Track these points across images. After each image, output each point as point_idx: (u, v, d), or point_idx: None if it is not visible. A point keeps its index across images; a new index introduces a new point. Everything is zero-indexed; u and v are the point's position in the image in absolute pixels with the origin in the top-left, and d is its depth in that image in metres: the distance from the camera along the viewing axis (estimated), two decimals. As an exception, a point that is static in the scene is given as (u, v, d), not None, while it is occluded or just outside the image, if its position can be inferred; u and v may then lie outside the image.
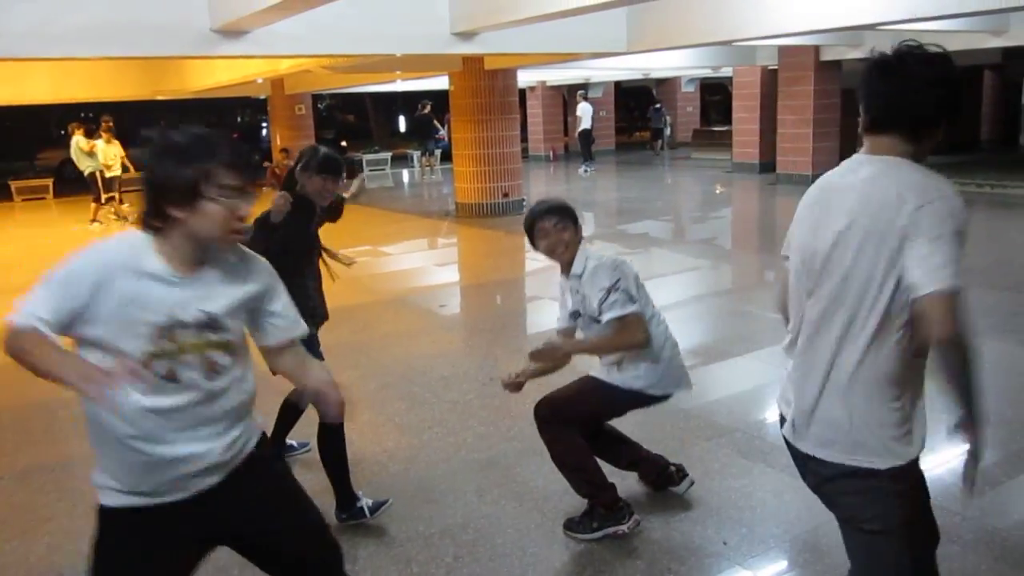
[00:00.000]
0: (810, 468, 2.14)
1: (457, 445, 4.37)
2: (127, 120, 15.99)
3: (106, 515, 1.97)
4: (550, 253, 3.36)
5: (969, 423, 1.83)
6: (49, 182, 20.00)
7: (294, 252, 3.47)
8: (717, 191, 16.25)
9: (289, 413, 3.88)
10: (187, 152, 1.83)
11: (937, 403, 1.97)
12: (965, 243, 1.79)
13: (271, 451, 2.33)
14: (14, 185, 19.60)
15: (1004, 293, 6.96)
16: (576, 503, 3.52)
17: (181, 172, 1.81)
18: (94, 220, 13.74)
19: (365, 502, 3.54)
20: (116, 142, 14.30)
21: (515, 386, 3.51)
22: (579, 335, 3.49)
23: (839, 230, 1.93)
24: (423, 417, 4.78)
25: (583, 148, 20.77)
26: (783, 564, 3.25)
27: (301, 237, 3.57)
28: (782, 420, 2.19)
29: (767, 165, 16.86)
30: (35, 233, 14.08)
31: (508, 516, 3.58)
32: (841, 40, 13.08)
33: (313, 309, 3.61)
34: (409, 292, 8.31)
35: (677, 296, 7.34)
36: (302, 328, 2.17)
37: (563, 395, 3.44)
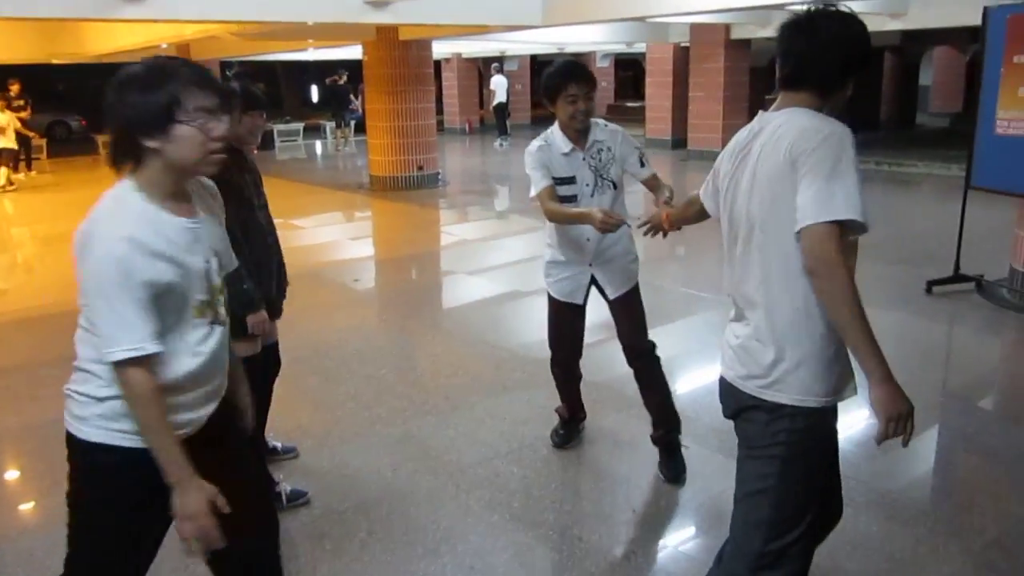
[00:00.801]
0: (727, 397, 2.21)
1: (371, 420, 4.35)
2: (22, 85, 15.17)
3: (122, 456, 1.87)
4: (571, 118, 3.32)
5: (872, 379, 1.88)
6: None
7: (248, 221, 3.14)
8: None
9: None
10: (150, 79, 1.76)
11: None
12: (854, 175, 1.86)
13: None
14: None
15: (898, 267, 7.28)
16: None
17: (149, 99, 1.74)
18: None
19: (284, 487, 3.49)
20: (8, 111, 13.61)
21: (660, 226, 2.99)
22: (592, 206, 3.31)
23: (749, 180, 2.02)
24: (337, 392, 4.74)
25: (498, 122, 20.76)
26: (691, 530, 3.36)
27: (247, 187, 3.20)
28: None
29: (679, 141, 17.15)
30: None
31: (422, 490, 3.60)
32: (750, 19, 13.41)
33: (269, 288, 3.31)
34: (323, 266, 8.19)
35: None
36: (234, 262, 2.14)
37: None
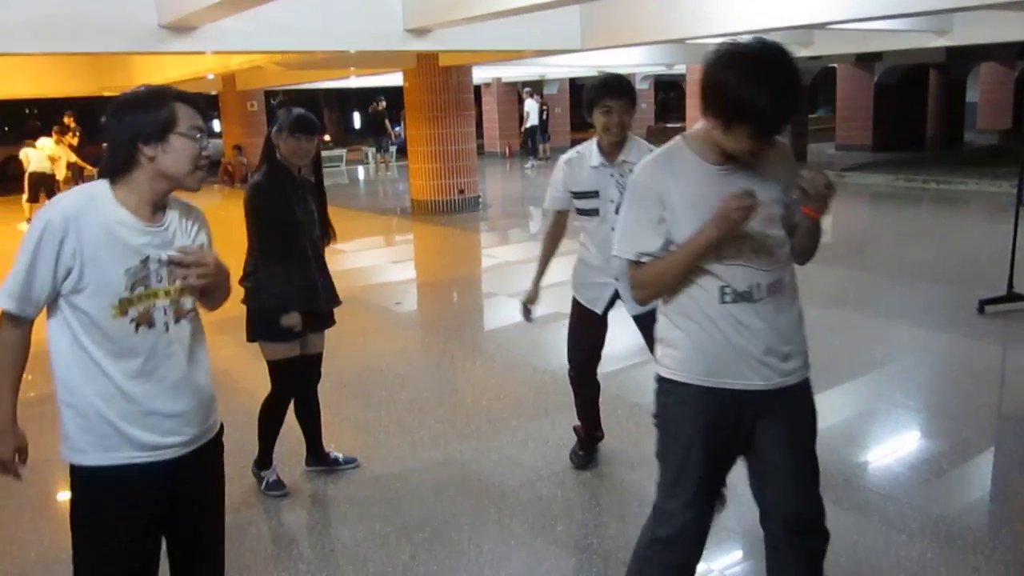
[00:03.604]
0: None
1: (413, 444, 4.35)
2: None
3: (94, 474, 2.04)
4: (604, 130, 3.36)
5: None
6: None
7: (287, 228, 3.46)
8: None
9: (303, 416, 3.92)
10: (151, 100, 1.97)
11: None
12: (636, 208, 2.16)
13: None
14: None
15: (949, 287, 7.13)
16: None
17: (151, 115, 1.95)
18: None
19: (336, 455, 3.99)
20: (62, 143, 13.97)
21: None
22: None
23: None
24: (379, 416, 4.75)
25: (530, 144, 20.90)
26: (738, 554, 3.29)
27: (292, 206, 3.49)
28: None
29: (720, 162, 17.04)
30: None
31: (465, 514, 3.57)
32: (790, 39, 13.28)
33: (314, 299, 3.59)
34: (365, 290, 8.25)
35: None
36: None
37: None
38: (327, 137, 29.29)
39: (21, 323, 1.98)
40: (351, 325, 6.76)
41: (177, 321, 2.06)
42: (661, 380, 2.25)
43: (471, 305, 8.17)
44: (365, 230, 12.39)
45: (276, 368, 3.64)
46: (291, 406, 3.83)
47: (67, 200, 1.96)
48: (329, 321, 3.79)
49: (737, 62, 1.96)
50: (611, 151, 3.42)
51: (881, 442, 4.25)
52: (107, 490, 2.03)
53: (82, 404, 1.99)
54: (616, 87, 3.34)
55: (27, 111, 13.97)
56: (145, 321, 2.00)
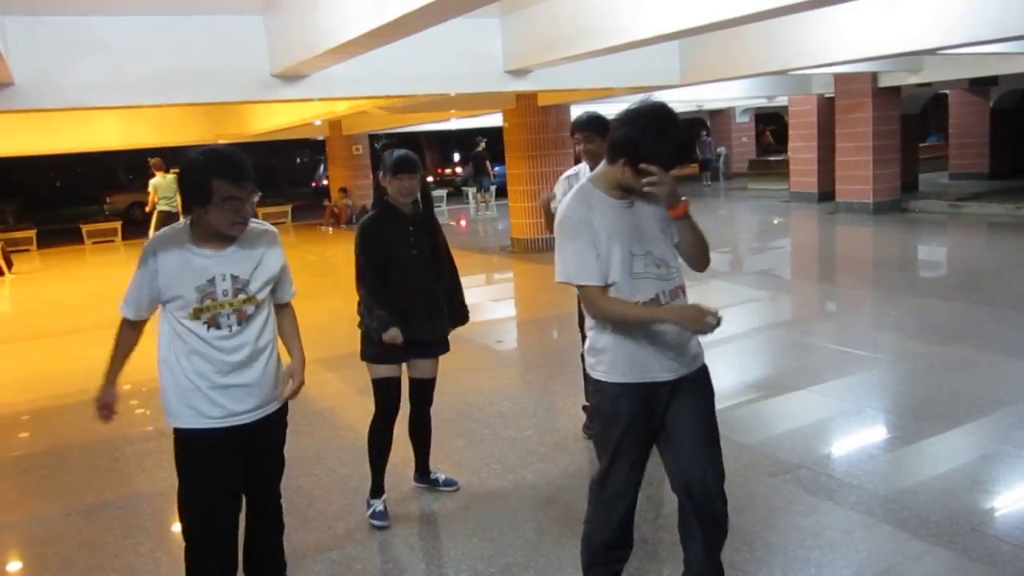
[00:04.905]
0: None
1: (516, 482, 4.33)
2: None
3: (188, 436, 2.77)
4: (584, 153, 4.35)
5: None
6: (118, 225, 20.64)
7: (393, 260, 3.77)
8: (774, 221, 16.05)
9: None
10: (192, 174, 2.61)
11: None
12: (573, 240, 2.62)
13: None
14: (85, 228, 20.27)
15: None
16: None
17: (194, 187, 2.59)
18: None
19: (439, 475, 4.28)
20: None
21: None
22: None
23: None
24: (481, 454, 4.76)
25: None
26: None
27: (395, 243, 3.78)
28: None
29: (826, 194, 16.61)
30: (105, 274, 14.52)
31: (568, 555, 3.52)
32: (899, 66, 12.89)
33: (406, 328, 3.76)
34: (466, 328, 8.29)
35: (736, 328, 7.22)
36: (290, 294, 2.99)
37: None
38: (430, 177, 29.95)
39: (135, 324, 2.82)
40: (453, 363, 6.81)
41: (239, 323, 2.71)
42: (596, 382, 2.75)
43: (571, 342, 8.10)
44: (466, 268, 12.46)
45: (376, 387, 3.90)
46: (406, 431, 4.05)
47: (156, 238, 2.76)
48: (439, 348, 4.03)
49: (637, 120, 2.56)
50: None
51: (1011, 487, 3.99)
52: (193, 449, 2.77)
53: (180, 378, 2.70)
54: (581, 123, 4.33)
55: (149, 159, 14.78)
56: (213, 323, 2.68)
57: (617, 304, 2.61)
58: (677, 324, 2.56)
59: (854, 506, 3.76)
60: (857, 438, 4.73)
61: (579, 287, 2.65)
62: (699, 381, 2.76)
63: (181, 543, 2.86)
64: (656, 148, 2.52)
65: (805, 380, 5.74)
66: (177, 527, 3.98)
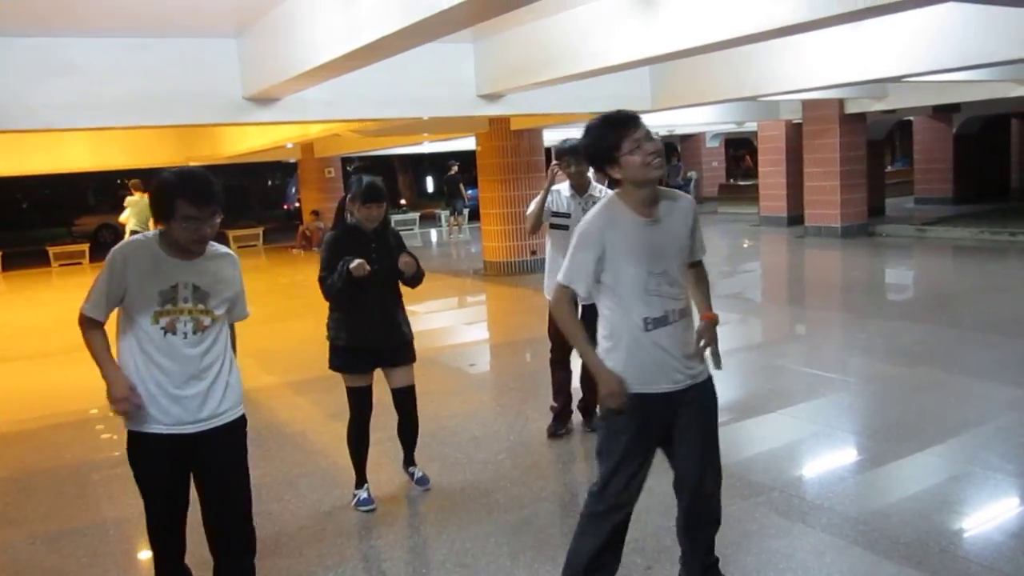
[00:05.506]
0: None
1: (489, 507, 4.31)
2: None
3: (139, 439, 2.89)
4: (567, 175, 4.95)
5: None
6: (86, 247, 20.36)
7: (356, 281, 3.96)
8: (744, 245, 16.22)
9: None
10: (158, 192, 2.76)
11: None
12: (582, 251, 2.85)
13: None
14: (52, 251, 19.98)
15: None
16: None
17: (162, 200, 2.74)
18: None
19: (413, 471, 4.55)
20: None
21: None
22: None
23: None
24: (454, 479, 4.73)
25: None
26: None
27: (358, 256, 3.96)
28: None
29: (795, 218, 16.82)
30: (71, 297, 14.26)
31: (542, 579, 3.50)
32: (865, 93, 13.13)
33: (364, 336, 4.13)
34: (438, 351, 8.31)
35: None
36: (244, 314, 3.09)
37: None
38: (403, 201, 29.93)
39: (100, 325, 2.87)
40: (425, 387, 6.78)
41: (195, 332, 2.83)
42: None
43: (545, 366, 8.11)
44: (439, 291, 12.52)
45: (348, 393, 4.24)
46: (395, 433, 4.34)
47: (126, 243, 2.92)
48: (406, 357, 4.30)
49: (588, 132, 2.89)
50: (578, 188, 4.97)
51: (979, 508, 4.04)
52: (141, 450, 2.89)
53: (141, 388, 2.80)
54: (563, 150, 4.88)
55: (118, 181, 14.67)
56: (171, 329, 2.80)
57: (571, 321, 2.95)
58: (603, 391, 2.85)
59: (826, 528, 3.78)
60: (828, 460, 4.77)
61: (560, 284, 2.89)
62: (705, 392, 2.98)
63: (149, 571, 2.84)
64: (603, 139, 2.83)
65: (776, 403, 5.78)
66: (145, 554, 3.93)
